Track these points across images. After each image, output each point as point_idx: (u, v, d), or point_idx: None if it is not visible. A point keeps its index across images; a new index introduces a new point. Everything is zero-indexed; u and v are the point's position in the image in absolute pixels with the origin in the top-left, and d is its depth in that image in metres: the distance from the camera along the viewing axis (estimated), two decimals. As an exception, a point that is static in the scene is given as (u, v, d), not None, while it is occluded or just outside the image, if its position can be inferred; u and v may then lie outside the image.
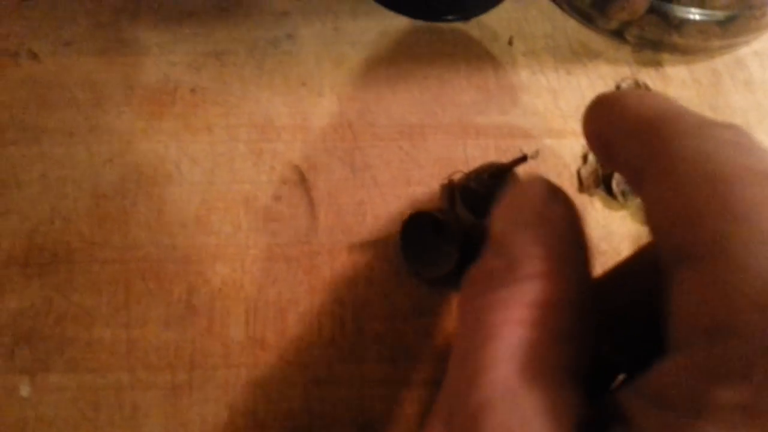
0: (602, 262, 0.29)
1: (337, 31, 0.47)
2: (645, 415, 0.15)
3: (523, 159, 0.39)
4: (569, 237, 0.19)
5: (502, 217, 0.20)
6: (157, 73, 0.44)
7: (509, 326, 0.17)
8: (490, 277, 0.18)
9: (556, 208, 0.19)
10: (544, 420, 0.15)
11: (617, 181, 0.40)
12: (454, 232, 0.36)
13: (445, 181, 0.40)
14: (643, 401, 0.15)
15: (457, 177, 0.40)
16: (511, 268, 0.18)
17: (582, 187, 0.41)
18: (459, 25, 0.48)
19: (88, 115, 0.42)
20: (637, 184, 0.18)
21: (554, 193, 0.20)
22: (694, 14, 0.44)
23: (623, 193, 0.40)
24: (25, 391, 0.33)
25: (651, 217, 0.17)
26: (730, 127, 0.16)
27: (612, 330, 0.21)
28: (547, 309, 0.17)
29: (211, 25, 0.46)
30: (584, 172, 0.41)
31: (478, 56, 0.46)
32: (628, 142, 0.18)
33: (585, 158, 0.42)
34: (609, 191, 0.41)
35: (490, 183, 0.38)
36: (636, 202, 0.40)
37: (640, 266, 0.22)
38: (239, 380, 0.34)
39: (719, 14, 0.44)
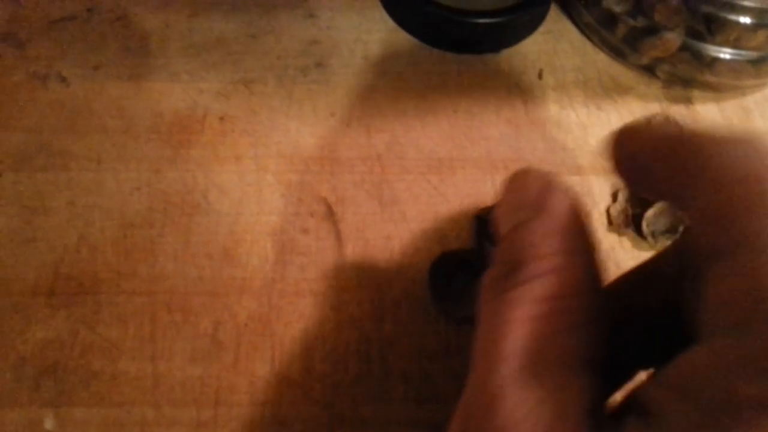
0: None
1: (367, 61, 0.47)
2: (667, 405, 0.15)
3: None
4: (569, 227, 0.19)
5: (504, 217, 0.21)
6: (186, 100, 0.44)
7: (518, 323, 0.18)
8: (499, 281, 0.19)
9: (554, 199, 0.19)
10: (549, 407, 0.16)
11: (647, 222, 0.40)
12: (481, 270, 0.36)
13: (473, 215, 0.40)
14: (666, 392, 0.15)
15: (484, 211, 0.40)
16: (517, 269, 0.19)
17: (611, 226, 0.41)
18: (489, 57, 0.48)
19: (116, 142, 0.41)
20: (680, 201, 0.18)
21: (550, 182, 0.20)
22: (727, 53, 0.44)
23: (653, 234, 0.40)
24: (49, 424, 0.33)
25: (694, 226, 0.17)
26: (754, 134, 0.17)
27: (628, 332, 0.22)
28: (552, 302, 0.18)
29: (240, 53, 0.46)
30: (613, 211, 0.41)
31: (508, 89, 0.46)
32: (664, 160, 0.18)
33: (615, 197, 0.42)
34: (639, 231, 0.40)
35: None
36: (666, 244, 0.40)
37: (655, 270, 0.23)
38: (264, 418, 0.34)
39: (752, 54, 0.44)
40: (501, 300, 0.19)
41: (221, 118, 0.43)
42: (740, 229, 0.15)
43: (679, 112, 0.46)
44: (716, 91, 0.47)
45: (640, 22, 0.45)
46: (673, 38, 0.44)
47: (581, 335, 0.18)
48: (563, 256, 0.19)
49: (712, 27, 0.43)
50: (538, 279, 0.18)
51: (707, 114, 0.46)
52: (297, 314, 0.36)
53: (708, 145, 0.17)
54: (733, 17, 0.42)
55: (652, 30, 0.44)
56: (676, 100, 0.47)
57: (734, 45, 0.43)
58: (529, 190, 0.20)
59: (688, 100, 0.47)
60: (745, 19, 0.42)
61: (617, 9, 0.45)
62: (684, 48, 0.44)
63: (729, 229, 0.15)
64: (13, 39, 0.46)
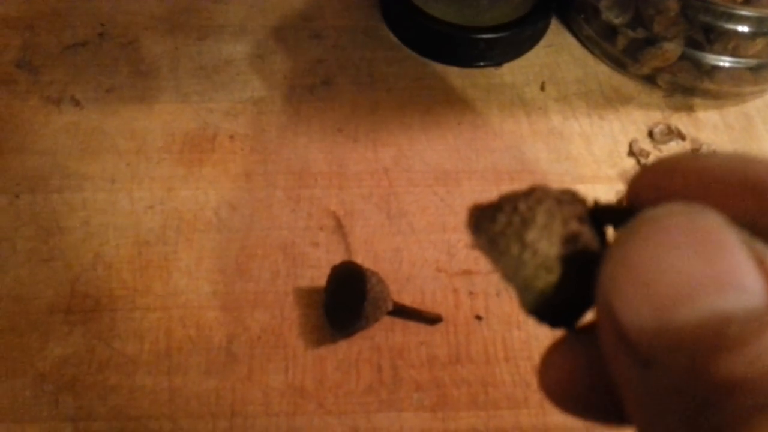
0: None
1: (372, 78, 0.48)
2: None
3: None
4: None
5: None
6: (196, 120, 0.45)
7: None
8: None
9: None
10: None
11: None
12: None
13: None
14: None
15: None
16: None
17: (617, 233, 0.41)
18: (492, 71, 0.49)
19: (130, 162, 0.43)
20: None
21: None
22: (726, 61, 0.44)
23: (659, 240, 0.40)
24: (69, 438, 0.34)
25: None
26: None
27: None
28: None
29: (248, 73, 0.47)
30: (619, 219, 0.41)
31: (511, 102, 0.47)
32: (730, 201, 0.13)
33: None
34: (644, 238, 0.41)
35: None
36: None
37: None
38: (279, 429, 0.34)
39: (751, 61, 0.44)
40: None
41: (231, 137, 0.44)
42: None
43: (681, 120, 0.47)
44: (717, 98, 0.48)
45: (640, 33, 0.46)
46: (672, 48, 0.45)
47: None
48: None
49: (710, 36, 0.44)
50: None
51: (709, 121, 0.47)
52: (309, 326, 0.37)
53: None
54: (731, 26, 0.43)
55: (652, 41, 0.45)
56: (677, 108, 0.47)
57: (733, 53, 0.44)
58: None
59: (689, 108, 0.47)
60: (743, 28, 0.43)
61: (617, 21, 0.46)
62: (684, 57, 0.45)
63: None
64: (27, 65, 0.47)
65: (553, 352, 0.16)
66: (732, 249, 0.12)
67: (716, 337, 0.11)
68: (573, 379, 0.15)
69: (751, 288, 0.11)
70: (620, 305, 0.12)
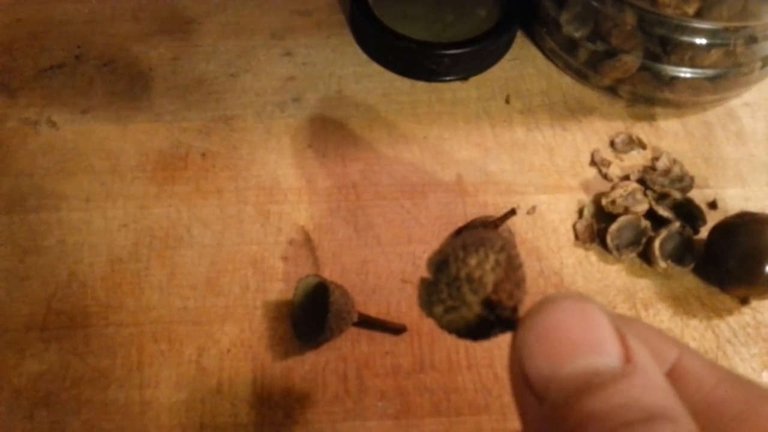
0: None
1: (341, 94, 0.49)
2: None
3: (512, 213, 0.41)
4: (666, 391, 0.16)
5: (548, 372, 0.16)
6: (169, 139, 0.46)
7: None
8: None
9: (636, 349, 0.17)
10: None
11: (611, 236, 0.42)
12: None
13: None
14: None
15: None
16: None
17: (578, 241, 0.42)
18: (458, 85, 0.50)
19: (104, 181, 0.44)
20: None
21: (618, 320, 0.17)
22: (685, 72, 0.46)
23: (617, 247, 0.42)
24: (43, 452, 0.35)
25: None
26: None
27: None
28: None
29: (220, 92, 0.49)
30: (580, 227, 0.43)
31: (477, 115, 0.48)
32: None
33: (580, 213, 0.43)
34: (604, 245, 0.42)
35: None
36: (630, 256, 0.42)
37: None
38: (247, 439, 0.35)
39: (708, 72, 0.46)
40: None
41: (203, 155, 0.45)
42: None
43: (642, 129, 0.48)
44: (678, 107, 0.49)
45: (600, 46, 0.47)
46: (631, 60, 0.46)
47: None
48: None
49: (667, 48, 0.45)
50: None
51: (670, 129, 0.48)
52: (277, 338, 0.38)
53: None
54: (686, 38, 0.44)
55: (611, 53, 0.47)
56: (639, 117, 0.49)
57: (690, 64, 0.45)
58: (591, 329, 0.17)
59: (651, 117, 0.49)
60: (698, 40, 0.44)
61: (577, 35, 0.48)
62: (643, 68, 0.47)
63: None
64: (4, 88, 0.48)
65: None
66: (604, 326, 0.16)
67: (586, 384, 0.16)
68: None
69: (613, 353, 0.16)
70: (527, 359, 0.16)
